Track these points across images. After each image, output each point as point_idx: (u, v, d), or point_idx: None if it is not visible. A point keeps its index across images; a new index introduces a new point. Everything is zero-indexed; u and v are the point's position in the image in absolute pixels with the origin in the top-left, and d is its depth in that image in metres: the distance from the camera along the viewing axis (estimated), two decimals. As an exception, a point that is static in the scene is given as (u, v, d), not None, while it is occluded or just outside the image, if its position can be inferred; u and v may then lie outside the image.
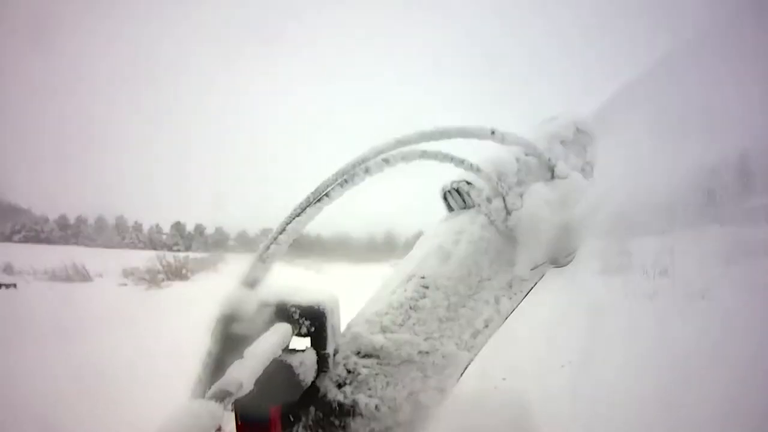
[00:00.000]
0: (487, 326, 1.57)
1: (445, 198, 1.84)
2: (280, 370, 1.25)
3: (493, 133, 1.51)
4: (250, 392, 1.02)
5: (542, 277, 1.71)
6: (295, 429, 1.43)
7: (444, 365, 1.51)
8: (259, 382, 1.05)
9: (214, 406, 0.87)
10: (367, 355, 1.49)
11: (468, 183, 1.69)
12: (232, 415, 1.25)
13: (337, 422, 1.44)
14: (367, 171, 1.40)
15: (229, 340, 1.32)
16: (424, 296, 1.56)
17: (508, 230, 1.60)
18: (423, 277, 1.59)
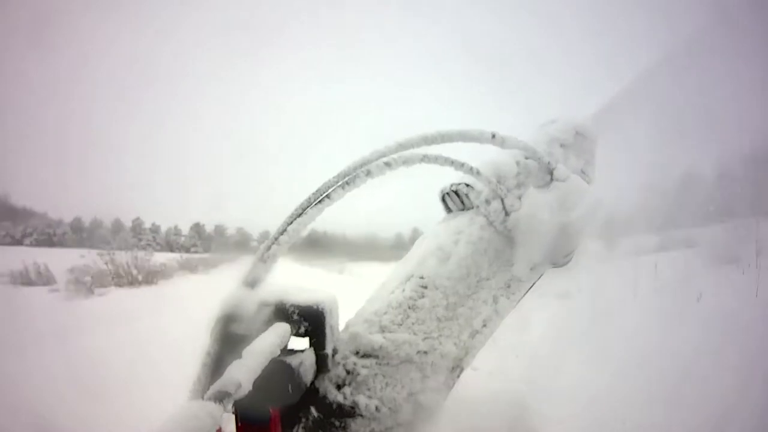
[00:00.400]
0: (485, 326, 1.58)
1: (443, 200, 1.84)
2: (279, 370, 1.25)
3: (493, 136, 1.52)
4: (250, 393, 1.02)
5: (540, 277, 1.71)
6: (295, 430, 1.43)
7: (443, 365, 1.51)
8: (258, 383, 1.05)
9: (214, 407, 0.87)
10: (366, 355, 1.49)
11: (467, 185, 1.70)
12: (232, 417, 1.25)
13: (337, 423, 1.44)
14: (368, 173, 1.41)
15: (229, 340, 1.33)
16: (422, 296, 1.57)
17: (506, 231, 1.61)
18: (422, 277, 1.60)
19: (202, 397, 0.93)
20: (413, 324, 1.54)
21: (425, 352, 1.50)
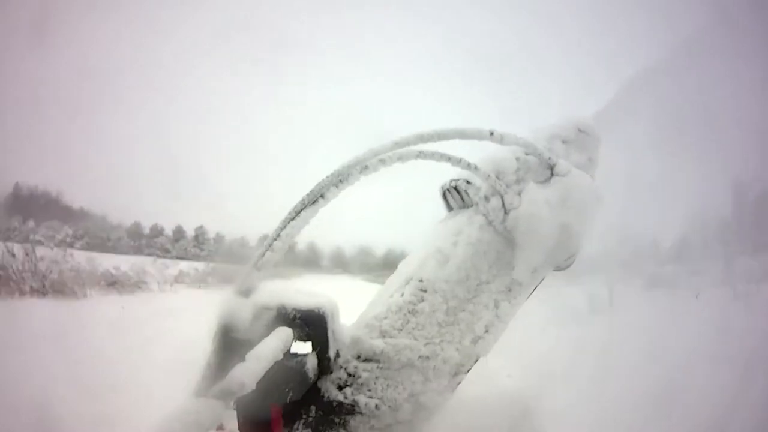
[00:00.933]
0: (487, 331, 1.56)
1: (444, 197, 1.83)
2: (281, 371, 1.26)
3: (491, 134, 1.50)
4: (252, 391, 1.02)
5: (542, 280, 1.69)
6: (296, 427, 1.44)
7: (445, 370, 1.51)
8: (261, 382, 1.06)
9: (216, 404, 0.88)
10: (367, 360, 1.49)
11: (467, 182, 1.68)
12: (234, 413, 1.25)
13: (337, 420, 1.45)
14: (362, 170, 1.41)
15: (230, 348, 1.32)
16: (422, 300, 1.55)
17: (506, 231, 1.58)
18: (421, 281, 1.58)
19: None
20: (413, 329, 1.52)
21: (427, 357, 1.50)
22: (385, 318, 1.55)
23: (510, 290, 1.60)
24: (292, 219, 1.40)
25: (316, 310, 1.39)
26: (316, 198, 1.40)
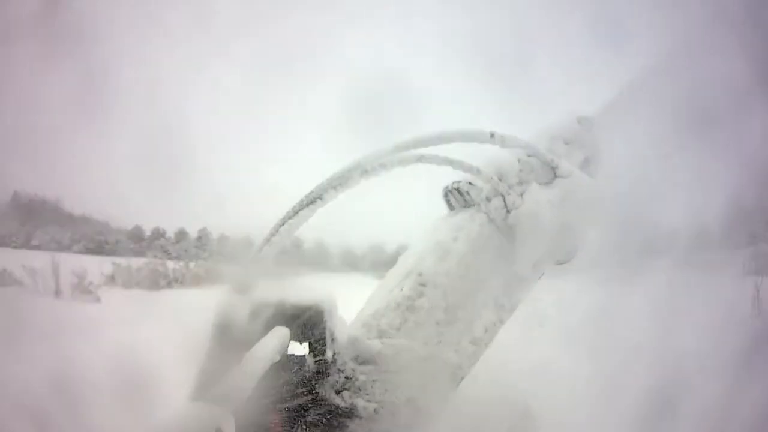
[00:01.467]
0: (486, 331, 1.56)
1: (446, 197, 1.84)
2: (279, 375, 1.25)
3: (492, 135, 1.51)
4: (251, 395, 1.02)
5: (541, 276, 1.70)
6: (294, 430, 1.44)
7: (443, 373, 1.50)
8: (259, 386, 1.06)
9: (214, 409, 0.88)
10: (365, 362, 1.49)
11: (470, 183, 1.70)
12: (232, 417, 1.25)
13: (335, 424, 1.44)
14: (363, 173, 1.42)
15: (227, 346, 1.32)
16: (421, 295, 1.55)
17: (508, 228, 1.59)
18: (420, 274, 1.58)
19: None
20: (412, 328, 1.52)
21: (425, 359, 1.50)
22: (383, 316, 1.55)
23: (509, 287, 1.61)
24: (291, 217, 1.41)
25: (315, 307, 1.39)
26: (314, 199, 1.41)
